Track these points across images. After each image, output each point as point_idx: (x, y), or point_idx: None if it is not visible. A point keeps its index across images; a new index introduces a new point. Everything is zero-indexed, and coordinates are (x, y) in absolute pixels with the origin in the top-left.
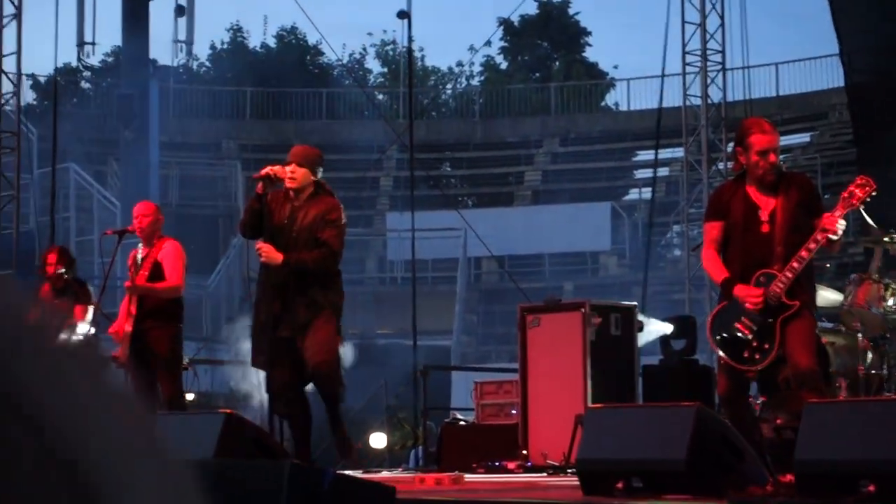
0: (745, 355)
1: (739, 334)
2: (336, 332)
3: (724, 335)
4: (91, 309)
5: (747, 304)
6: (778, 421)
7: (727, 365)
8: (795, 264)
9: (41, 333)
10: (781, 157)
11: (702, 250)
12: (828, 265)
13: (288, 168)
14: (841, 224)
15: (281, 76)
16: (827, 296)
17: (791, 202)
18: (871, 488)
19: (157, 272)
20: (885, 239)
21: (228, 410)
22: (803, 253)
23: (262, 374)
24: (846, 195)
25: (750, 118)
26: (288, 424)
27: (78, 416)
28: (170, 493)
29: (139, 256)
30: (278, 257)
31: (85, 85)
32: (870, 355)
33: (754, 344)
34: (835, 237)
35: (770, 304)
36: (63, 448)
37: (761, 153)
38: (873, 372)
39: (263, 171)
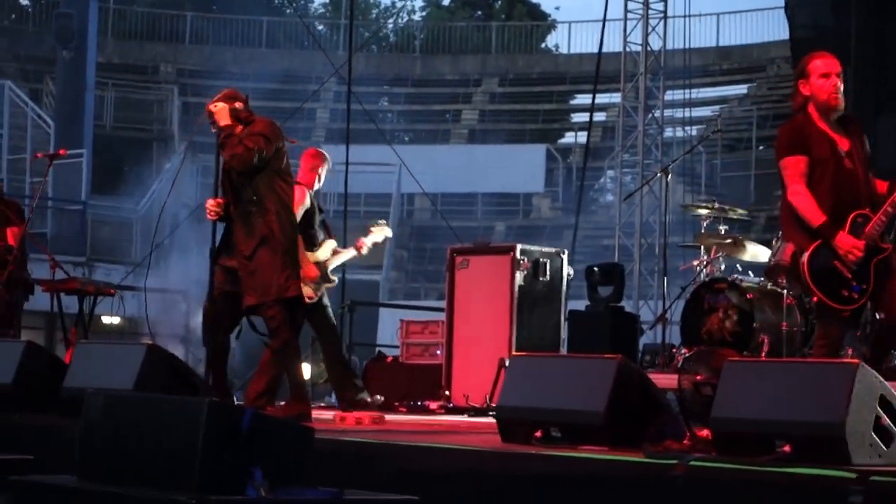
0: (844, 294)
1: (839, 274)
2: (280, 267)
3: (822, 275)
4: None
5: (849, 258)
6: (698, 377)
7: (827, 308)
8: (890, 209)
9: None
10: (718, 107)
11: (789, 186)
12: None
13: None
14: None
15: (222, 2)
16: (754, 251)
17: (861, 140)
18: (787, 448)
19: None
20: None
21: (150, 342)
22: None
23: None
24: None
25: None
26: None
27: None
28: None
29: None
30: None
31: (24, 2)
32: (794, 312)
33: (854, 283)
34: None
35: (868, 246)
36: None
37: (824, 75)
38: (796, 329)
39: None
